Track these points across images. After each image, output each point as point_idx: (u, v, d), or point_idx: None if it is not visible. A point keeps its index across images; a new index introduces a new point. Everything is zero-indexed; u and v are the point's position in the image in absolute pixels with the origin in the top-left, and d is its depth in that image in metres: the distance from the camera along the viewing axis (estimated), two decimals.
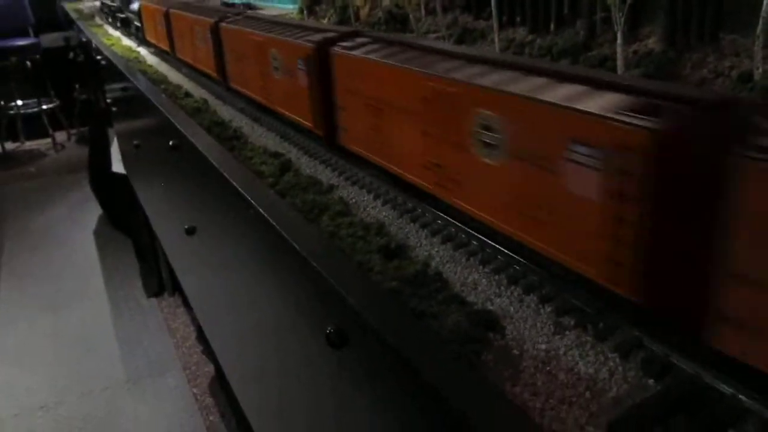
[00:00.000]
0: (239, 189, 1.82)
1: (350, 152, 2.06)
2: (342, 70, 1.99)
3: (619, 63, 2.20)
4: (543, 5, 2.80)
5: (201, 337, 4.81)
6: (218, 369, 4.29)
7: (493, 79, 1.42)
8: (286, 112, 2.44)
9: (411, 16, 3.48)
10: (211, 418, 4.15)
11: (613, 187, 1.11)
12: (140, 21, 4.60)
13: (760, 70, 1.90)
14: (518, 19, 3.02)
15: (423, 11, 3.52)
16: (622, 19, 2.15)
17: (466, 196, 1.53)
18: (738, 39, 2.17)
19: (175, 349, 4.87)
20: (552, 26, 2.77)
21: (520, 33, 2.92)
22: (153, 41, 4.49)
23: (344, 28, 2.34)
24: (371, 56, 1.83)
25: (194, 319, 5.03)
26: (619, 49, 2.19)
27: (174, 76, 3.87)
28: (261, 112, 2.79)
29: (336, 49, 2.00)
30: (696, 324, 1.04)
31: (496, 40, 2.82)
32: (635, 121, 1.06)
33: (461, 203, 1.55)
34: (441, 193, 1.62)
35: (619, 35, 2.18)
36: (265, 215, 1.63)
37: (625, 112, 1.09)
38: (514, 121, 1.32)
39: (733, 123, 1.02)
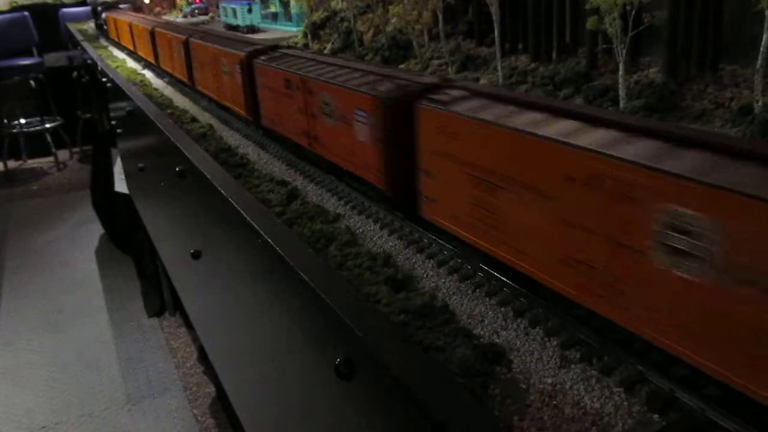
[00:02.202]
0: (247, 218, 1.84)
1: (437, 227, 1.70)
2: (431, 129, 1.62)
3: (621, 93, 2.23)
4: (545, 34, 2.84)
5: (202, 357, 4.82)
6: (220, 390, 4.30)
7: (687, 164, 1.06)
8: (341, 163, 2.14)
9: (414, 42, 3.53)
10: None
11: None
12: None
13: (760, 102, 1.93)
14: (520, 46, 3.07)
15: (426, 37, 3.57)
16: (624, 51, 2.19)
17: (630, 311, 1.17)
18: (738, 70, 2.20)
19: (175, 369, 4.86)
20: (554, 55, 2.81)
21: (523, 61, 2.96)
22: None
23: (427, 78, 1.90)
24: (479, 115, 1.46)
25: (195, 339, 5.03)
26: (621, 80, 2.22)
27: (179, 99, 3.90)
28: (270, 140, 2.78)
29: (425, 103, 1.63)
30: None
31: (499, 67, 2.86)
32: None
33: (622, 319, 1.20)
34: (587, 300, 1.26)
35: (621, 66, 2.22)
36: (274, 245, 1.65)
37: None
38: (735, 230, 0.97)
39: None
